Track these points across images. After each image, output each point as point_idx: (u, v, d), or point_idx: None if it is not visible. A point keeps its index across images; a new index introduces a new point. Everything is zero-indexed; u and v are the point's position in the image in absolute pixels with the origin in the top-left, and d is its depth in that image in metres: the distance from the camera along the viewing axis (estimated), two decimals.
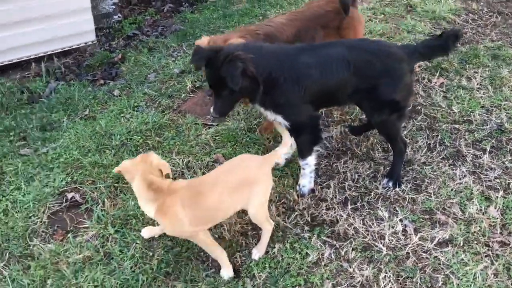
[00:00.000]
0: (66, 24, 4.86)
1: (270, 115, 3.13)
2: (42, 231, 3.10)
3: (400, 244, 2.98)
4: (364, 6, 5.86)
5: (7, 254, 2.95)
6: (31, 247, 2.98)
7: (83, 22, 4.97)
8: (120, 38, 5.51)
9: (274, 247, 2.94)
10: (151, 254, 2.92)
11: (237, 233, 3.06)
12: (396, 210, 3.21)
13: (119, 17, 5.78)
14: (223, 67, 2.78)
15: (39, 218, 3.18)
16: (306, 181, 3.34)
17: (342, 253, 2.93)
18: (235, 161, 2.89)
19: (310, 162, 3.28)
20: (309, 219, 3.15)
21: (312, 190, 3.35)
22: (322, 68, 3.03)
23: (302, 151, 3.28)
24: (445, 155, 3.64)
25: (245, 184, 2.71)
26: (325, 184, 3.42)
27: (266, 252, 2.92)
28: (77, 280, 2.76)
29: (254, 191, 2.72)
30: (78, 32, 5.00)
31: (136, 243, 2.98)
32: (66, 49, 5.06)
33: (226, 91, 2.87)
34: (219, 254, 2.81)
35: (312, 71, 3.02)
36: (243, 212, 3.11)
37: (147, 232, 3.02)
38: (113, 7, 5.70)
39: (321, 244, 2.97)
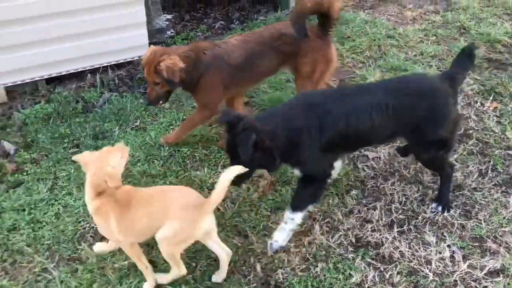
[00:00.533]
0: (122, 38, 5.04)
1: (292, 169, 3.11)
2: (90, 236, 3.19)
3: (447, 270, 2.89)
4: (416, 27, 5.79)
5: (57, 256, 3.05)
6: (79, 251, 3.07)
7: (138, 36, 5.14)
8: None
9: (317, 266, 2.92)
10: (194, 265, 2.95)
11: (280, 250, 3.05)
12: (444, 236, 3.12)
13: (171, 32, 5.95)
14: (238, 136, 2.71)
15: (88, 223, 3.27)
16: (282, 237, 3.02)
17: (387, 276, 2.86)
18: (178, 189, 2.86)
19: (296, 219, 3.01)
20: (353, 240, 3.11)
21: (282, 248, 3.04)
22: (353, 118, 2.85)
23: (298, 203, 3.02)
24: (497, 181, 3.52)
25: (163, 214, 2.58)
26: (371, 205, 3.37)
27: (308, 269, 2.90)
28: (121, 286, 2.82)
29: (167, 223, 2.56)
30: (133, 46, 5.17)
31: (180, 253, 3.01)
32: (120, 61, 5.24)
33: (239, 160, 2.68)
34: (144, 270, 2.78)
35: (340, 122, 2.84)
36: None
37: (98, 247, 3.05)
38: (167, 22, 5.88)
39: (365, 266, 2.92)
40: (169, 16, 6.10)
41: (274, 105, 4.36)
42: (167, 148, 3.92)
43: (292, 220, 3.00)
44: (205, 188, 3.51)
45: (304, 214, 3.08)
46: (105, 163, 2.63)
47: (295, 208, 3.00)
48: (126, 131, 4.23)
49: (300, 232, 3.16)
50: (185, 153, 3.88)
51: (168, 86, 3.61)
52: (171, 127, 4.23)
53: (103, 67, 5.13)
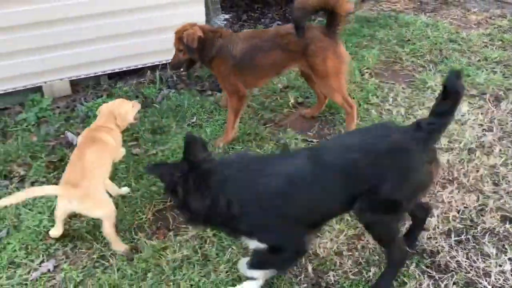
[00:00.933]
0: None
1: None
2: (147, 227, 3.28)
3: (508, 284, 2.77)
4: (480, 31, 5.59)
5: None
6: (135, 241, 3.17)
7: None
8: None
9: (370, 271, 2.87)
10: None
11: (332, 251, 3.03)
12: (505, 248, 2.99)
13: None
14: None
15: (144, 214, 3.37)
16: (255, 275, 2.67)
17: (442, 285, 2.78)
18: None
19: (255, 275, 2.66)
20: (407, 246, 3.03)
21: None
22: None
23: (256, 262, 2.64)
24: None
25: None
26: None
27: (360, 273, 2.86)
28: (175, 277, 2.88)
29: None
30: None
31: (232, 248, 3.05)
32: None
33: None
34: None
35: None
36: (339, 232, 3.10)
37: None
38: (225, 22, 5.97)
39: (420, 274, 2.84)
40: (227, 16, 6.20)
41: (328, 106, 4.35)
42: (222, 144, 3.98)
43: (251, 275, 2.68)
44: None
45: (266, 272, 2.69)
46: (117, 107, 3.49)
47: (251, 266, 2.66)
48: (183, 127, 4.33)
49: (353, 236, 3.12)
50: (239, 151, 3.92)
51: (188, 52, 3.89)
52: (225, 124, 4.27)
53: (163, 64, 5.27)
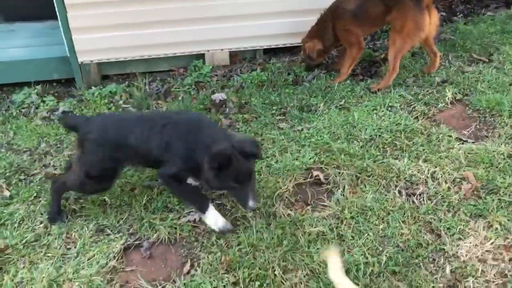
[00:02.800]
0: None
1: None
2: (286, 197, 3.40)
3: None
4: None
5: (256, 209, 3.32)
6: (275, 208, 3.30)
7: None
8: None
9: None
10: (380, 249, 2.94)
11: (474, 256, 2.85)
12: None
13: None
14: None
15: (285, 185, 3.48)
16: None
17: None
18: None
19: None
20: None
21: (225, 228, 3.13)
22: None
23: None
24: None
25: None
26: None
27: (504, 286, 2.66)
28: (309, 249, 2.95)
29: None
30: None
31: (369, 234, 3.03)
32: None
33: None
34: None
35: None
36: (486, 239, 2.89)
37: None
38: None
39: None
40: None
41: (490, 107, 4.05)
42: (369, 131, 3.93)
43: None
44: (402, 178, 3.44)
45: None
46: None
47: None
48: (330, 108, 4.35)
49: (501, 246, 2.90)
50: (386, 140, 3.83)
51: (311, 61, 4.91)
52: (374, 111, 4.21)
53: None
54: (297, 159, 3.71)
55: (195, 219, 3.25)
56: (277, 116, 4.35)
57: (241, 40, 5.25)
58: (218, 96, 4.64)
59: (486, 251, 2.88)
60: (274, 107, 4.47)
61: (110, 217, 3.30)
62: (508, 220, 3.06)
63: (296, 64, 5.23)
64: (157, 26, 4.95)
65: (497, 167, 3.48)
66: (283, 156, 3.76)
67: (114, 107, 4.73)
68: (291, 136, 4.00)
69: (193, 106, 4.56)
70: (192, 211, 3.28)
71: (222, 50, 5.25)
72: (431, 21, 4.33)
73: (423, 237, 3.00)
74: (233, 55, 5.38)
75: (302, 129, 4.08)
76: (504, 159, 3.53)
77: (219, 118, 4.34)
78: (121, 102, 4.79)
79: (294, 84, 4.86)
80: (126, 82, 5.14)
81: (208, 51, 5.22)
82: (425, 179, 3.42)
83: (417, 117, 4.09)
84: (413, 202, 3.26)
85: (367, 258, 2.87)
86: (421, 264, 2.84)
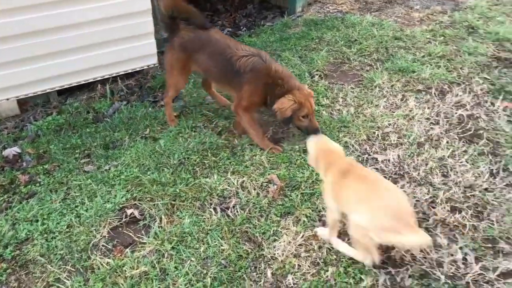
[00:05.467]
0: (131, 48, 5.10)
1: None
2: (102, 245, 3.22)
3: (459, 273, 2.86)
4: (423, 28, 5.78)
5: (70, 266, 3.08)
6: (91, 260, 3.10)
7: (147, 46, 5.19)
8: None
9: (327, 271, 2.91)
10: (205, 272, 2.96)
11: (290, 254, 3.05)
12: (456, 238, 3.09)
13: None
14: None
15: (99, 233, 3.31)
16: None
17: (398, 279, 2.84)
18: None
19: None
20: None
21: None
22: None
23: None
24: (509, 181, 3.48)
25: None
26: None
27: (318, 274, 2.90)
28: None
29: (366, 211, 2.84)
30: (141, 56, 5.23)
31: (191, 260, 3.03)
32: (129, 71, 5.30)
33: None
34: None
35: None
36: (296, 234, 3.12)
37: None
38: None
39: (376, 271, 2.90)
40: None
41: None
42: (177, 156, 3.95)
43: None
44: (215, 195, 3.53)
45: None
46: None
47: None
48: (136, 140, 4.27)
49: (310, 237, 3.16)
50: (195, 161, 3.90)
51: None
52: (180, 135, 4.26)
53: (113, 77, 5.20)
54: (108, 201, 3.55)
55: None
56: (81, 159, 4.11)
57: (29, 85, 4.82)
58: (11, 151, 4.21)
59: (299, 245, 3.11)
60: (76, 151, 4.21)
61: None
62: (312, 211, 3.35)
63: (95, 101, 5.01)
64: None
65: (295, 164, 3.79)
66: (93, 202, 3.56)
67: None
68: (99, 178, 3.81)
69: None
70: None
71: (8, 99, 4.77)
72: None
73: (243, 247, 3.12)
74: (23, 102, 4.93)
75: (109, 168, 3.93)
76: (299, 155, 3.87)
77: (15, 175, 3.93)
78: None
79: (95, 122, 4.66)
80: None
81: None
82: (236, 191, 3.56)
83: (219, 133, 4.25)
84: (228, 216, 3.36)
85: (192, 286, 2.86)
86: (244, 275, 2.93)
